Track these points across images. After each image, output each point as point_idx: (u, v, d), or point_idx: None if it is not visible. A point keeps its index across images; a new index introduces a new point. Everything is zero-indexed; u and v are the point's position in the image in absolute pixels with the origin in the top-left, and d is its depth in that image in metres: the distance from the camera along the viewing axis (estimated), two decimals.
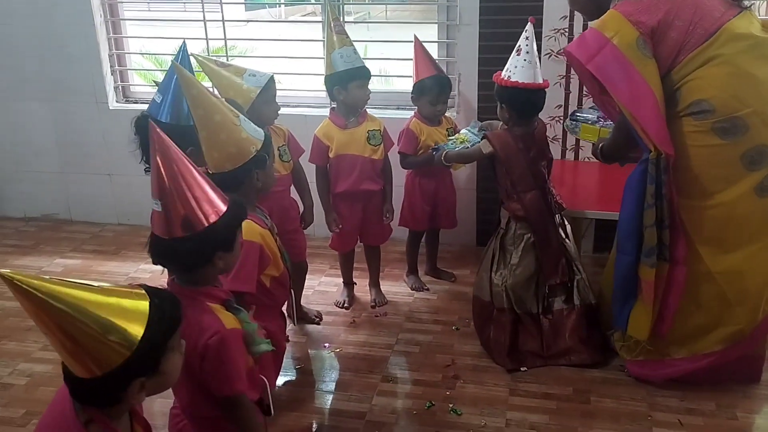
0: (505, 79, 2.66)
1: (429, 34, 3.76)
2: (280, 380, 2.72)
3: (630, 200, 2.40)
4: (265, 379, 1.94)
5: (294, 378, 2.80)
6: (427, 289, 3.43)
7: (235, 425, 1.77)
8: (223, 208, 1.70)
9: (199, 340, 1.67)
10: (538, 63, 2.68)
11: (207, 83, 2.70)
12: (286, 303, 2.36)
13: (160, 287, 1.48)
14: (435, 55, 3.67)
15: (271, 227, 2.16)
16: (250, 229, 2.03)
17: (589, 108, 3.09)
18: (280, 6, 12.15)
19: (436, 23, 3.67)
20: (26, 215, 4.40)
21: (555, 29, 3.41)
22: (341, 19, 3.69)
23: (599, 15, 2.54)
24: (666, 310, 2.48)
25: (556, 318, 2.78)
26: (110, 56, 4.02)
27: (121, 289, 1.38)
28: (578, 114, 3.02)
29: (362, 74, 2.96)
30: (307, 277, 3.43)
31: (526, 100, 2.70)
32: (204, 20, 3.88)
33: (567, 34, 3.40)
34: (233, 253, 1.77)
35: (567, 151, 3.60)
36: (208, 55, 3.96)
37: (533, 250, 2.76)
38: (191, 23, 4.10)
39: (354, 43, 2.99)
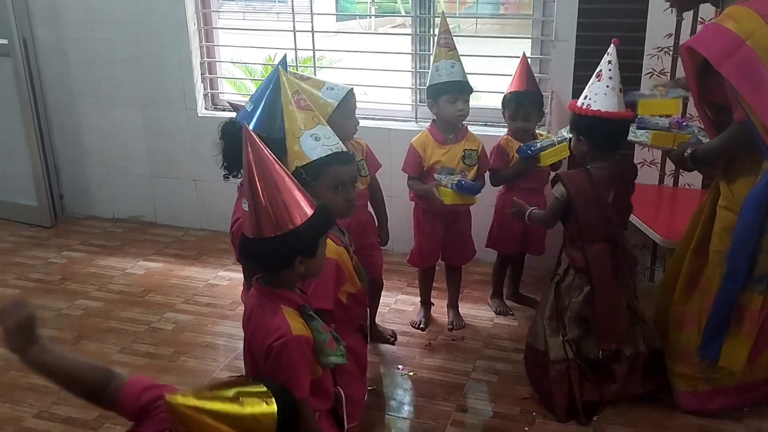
0: (584, 107, 2.43)
1: (522, 49, 3.64)
2: None
3: (749, 222, 2.17)
4: (341, 391, 1.89)
5: (367, 400, 2.70)
6: (512, 314, 3.28)
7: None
8: (309, 212, 1.70)
9: (265, 340, 1.69)
10: (620, 90, 2.45)
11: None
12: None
13: (272, 382, 1.55)
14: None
15: (347, 245, 2.09)
16: (326, 245, 1.98)
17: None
18: (369, 18, 12.24)
19: (530, 38, 3.54)
20: (114, 216, 4.51)
21: (658, 47, 3.22)
22: (433, 32, 3.64)
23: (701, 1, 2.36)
24: (763, 338, 2.31)
25: (623, 367, 2.57)
26: (201, 64, 4.07)
27: (250, 394, 1.45)
28: (645, 119, 2.69)
29: (451, 89, 2.85)
30: (383, 294, 3.35)
31: (608, 132, 2.43)
32: (294, 30, 3.87)
33: (671, 52, 3.20)
34: (316, 259, 1.78)
35: (666, 176, 3.39)
36: (296, 65, 3.97)
37: (590, 304, 2.53)
38: (281, 33, 4.09)
39: (456, 57, 2.89)
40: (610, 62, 2.44)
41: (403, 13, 8.94)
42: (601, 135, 2.45)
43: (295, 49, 3.94)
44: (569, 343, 2.53)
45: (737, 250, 2.22)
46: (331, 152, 1.99)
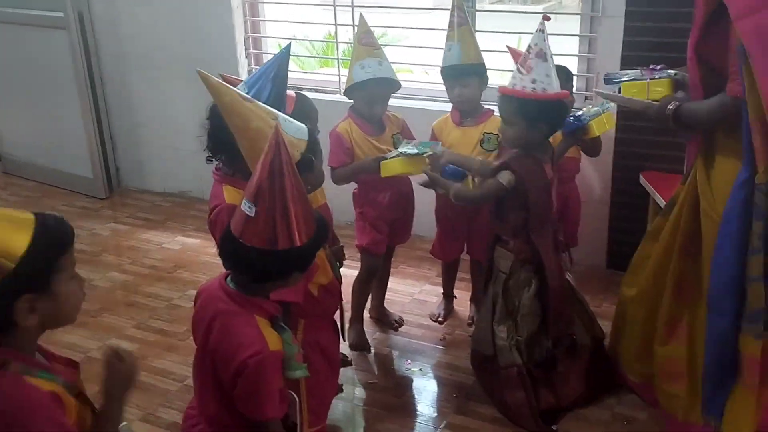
0: (539, 92, 2.18)
1: (570, 27, 3.39)
2: (347, 392, 2.54)
3: (728, 240, 1.86)
4: (295, 396, 1.78)
5: (363, 395, 2.59)
6: None
7: None
8: (313, 230, 1.59)
9: (238, 354, 1.56)
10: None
11: None
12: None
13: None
14: (575, 51, 3.32)
15: None
16: None
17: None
18: None
19: (578, 14, 3.26)
20: (165, 190, 4.56)
21: None
22: (469, 8, 3.43)
23: None
24: None
25: (566, 364, 2.45)
26: (245, 39, 4.02)
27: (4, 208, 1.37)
28: (613, 74, 2.44)
29: (447, 74, 2.72)
30: (409, 283, 3.24)
31: (562, 115, 2.33)
32: (352, 6, 3.73)
33: None
34: (305, 274, 1.69)
35: None
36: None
37: (539, 297, 2.38)
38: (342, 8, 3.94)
39: (456, 38, 2.69)
40: (546, 40, 2.20)
41: None
42: (558, 119, 2.33)
43: (353, 25, 3.79)
44: (518, 348, 2.38)
45: (715, 274, 1.91)
46: (305, 126, 1.87)
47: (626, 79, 2.33)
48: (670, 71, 2.26)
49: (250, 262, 1.56)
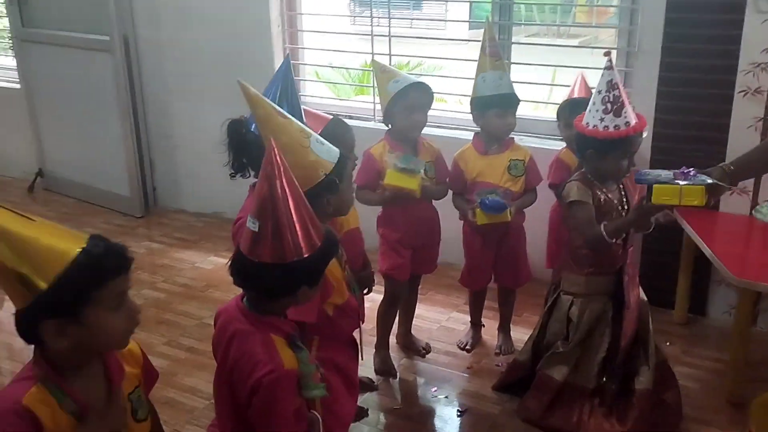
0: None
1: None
2: (371, 417, 2.55)
3: None
4: (317, 416, 1.78)
5: (387, 420, 2.59)
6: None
7: None
8: (318, 242, 1.60)
9: (253, 373, 1.57)
10: None
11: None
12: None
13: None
14: None
15: (339, 255, 1.97)
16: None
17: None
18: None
19: (615, 49, 3.28)
20: (200, 210, 4.64)
21: (754, 63, 2.87)
22: (504, 40, 3.47)
23: None
24: None
25: None
26: None
27: (63, 229, 1.34)
28: (645, 172, 2.19)
29: (500, 103, 2.72)
30: (437, 310, 3.23)
31: None
32: (389, 36, 3.80)
33: None
34: (315, 289, 1.68)
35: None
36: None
37: None
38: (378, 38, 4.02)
39: (504, 68, 2.78)
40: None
41: (538, 21, 8.64)
42: None
43: (390, 55, 3.88)
44: None
45: None
46: (338, 150, 1.91)
47: (658, 179, 2.11)
48: (703, 177, 2.08)
49: (257, 278, 1.58)
